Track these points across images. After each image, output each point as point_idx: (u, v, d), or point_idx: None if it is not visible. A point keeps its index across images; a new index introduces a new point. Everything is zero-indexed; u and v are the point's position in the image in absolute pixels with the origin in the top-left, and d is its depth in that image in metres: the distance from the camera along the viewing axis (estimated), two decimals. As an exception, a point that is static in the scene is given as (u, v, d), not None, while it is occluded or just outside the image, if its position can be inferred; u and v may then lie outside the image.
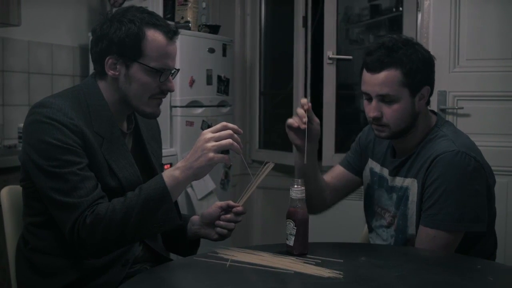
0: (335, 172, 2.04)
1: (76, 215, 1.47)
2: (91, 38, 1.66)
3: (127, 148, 1.67)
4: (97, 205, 1.48)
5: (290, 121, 1.78)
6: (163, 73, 1.60)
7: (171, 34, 1.61)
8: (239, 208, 1.69)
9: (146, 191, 1.49)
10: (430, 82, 1.78)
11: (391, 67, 1.71)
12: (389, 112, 1.73)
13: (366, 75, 1.75)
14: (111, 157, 1.58)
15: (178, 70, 1.68)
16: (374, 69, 1.72)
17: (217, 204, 1.74)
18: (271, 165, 1.65)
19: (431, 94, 1.80)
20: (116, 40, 1.57)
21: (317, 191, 1.93)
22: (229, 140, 1.52)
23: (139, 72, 1.59)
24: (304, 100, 1.75)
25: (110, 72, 1.61)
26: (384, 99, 1.73)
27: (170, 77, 1.64)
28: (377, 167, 1.92)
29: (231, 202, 1.72)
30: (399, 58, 1.71)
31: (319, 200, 1.96)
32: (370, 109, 1.76)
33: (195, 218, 1.80)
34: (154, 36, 1.58)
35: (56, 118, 1.51)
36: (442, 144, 1.73)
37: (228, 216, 1.69)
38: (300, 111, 1.75)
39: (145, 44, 1.57)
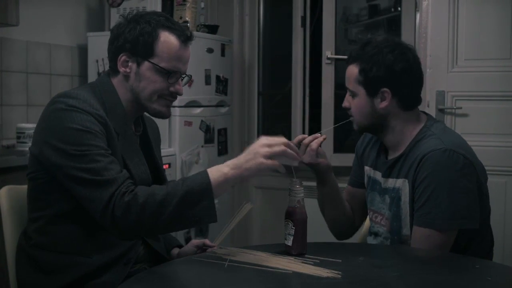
0: (347, 193, 2.08)
1: (112, 191, 1.45)
2: (109, 37, 1.69)
3: (139, 147, 1.70)
4: (136, 186, 1.48)
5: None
6: (171, 75, 1.63)
7: (184, 38, 1.65)
8: (214, 249, 1.70)
9: (189, 183, 1.47)
10: (392, 86, 1.77)
11: (352, 63, 1.82)
12: (353, 106, 1.84)
13: None
14: (125, 153, 1.61)
15: (190, 76, 1.72)
16: (346, 62, 1.85)
17: (193, 242, 1.80)
18: (248, 206, 1.67)
19: (404, 99, 1.79)
20: (130, 38, 1.62)
21: (345, 216, 1.99)
22: (282, 147, 1.49)
23: (149, 71, 1.62)
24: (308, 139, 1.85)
25: (122, 69, 1.64)
26: (349, 92, 1.85)
27: (180, 81, 1.67)
28: (370, 172, 1.94)
29: (207, 241, 1.77)
30: (360, 56, 1.79)
31: (348, 225, 2.02)
32: (344, 100, 1.88)
33: (174, 251, 1.84)
34: (167, 37, 1.63)
35: (81, 108, 1.52)
36: (430, 142, 1.74)
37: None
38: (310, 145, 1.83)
39: (157, 45, 1.62)
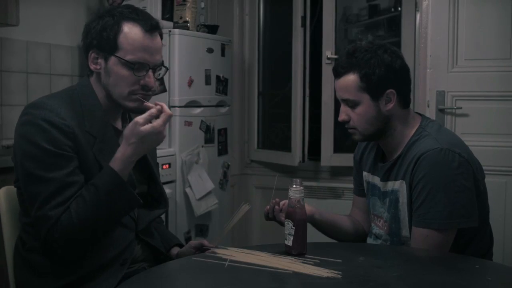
0: (355, 203, 2.08)
1: (44, 231, 1.50)
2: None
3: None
4: (58, 219, 1.49)
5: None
6: (138, 67, 1.59)
7: (148, 28, 1.60)
8: (213, 249, 1.68)
9: (104, 187, 1.50)
10: (396, 86, 1.78)
11: (349, 72, 1.77)
12: (354, 116, 1.79)
13: (334, 81, 1.83)
14: (103, 157, 1.57)
15: (166, 68, 1.69)
16: (337, 74, 1.81)
17: (191, 244, 1.78)
18: (246, 207, 1.69)
19: (405, 97, 1.81)
20: (95, 34, 1.60)
21: (349, 235, 1.99)
22: (170, 114, 1.56)
23: (116, 66, 1.59)
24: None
25: (92, 67, 1.62)
26: (347, 103, 1.79)
27: (151, 73, 1.62)
28: (369, 177, 1.95)
29: (205, 242, 1.75)
30: (356, 63, 1.75)
31: (356, 236, 2.01)
32: (340, 113, 1.83)
33: (173, 251, 1.84)
34: (130, 29, 1.59)
35: (48, 119, 1.51)
36: (425, 143, 1.74)
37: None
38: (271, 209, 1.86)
39: (120, 37, 1.58)
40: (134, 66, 1.58)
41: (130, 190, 1.53)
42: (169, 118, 1.56)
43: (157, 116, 1.54)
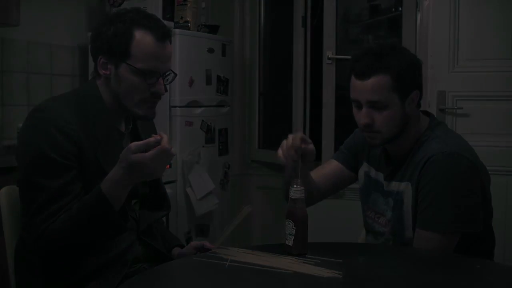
0: (331, 167, 2.01)
1: (32, 239, 1.51)
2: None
3: None
4: (46, 229, 1.49)
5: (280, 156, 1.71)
6: (150, 75, 1.58)
7: (159, 36, 1.59)
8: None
9: (88, 205, 1.48)
10: (419, 86, 1.77)
11: (380, 72, 1.67)
12: (380, 119, 1.71)
13: (355, 82, 1.72)
14: (106, 161, 1.56)
15: (175, 74, 1.67)
16: (363, 76, 1.69)
17: (192, 245, 1.77)
18: (248, 209, 1.67)
19: (420, 97, 1.79)
20: (106, 39, 1.58)
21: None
22: (165, 149, 1.45)
23: (127, 73, 1.58)
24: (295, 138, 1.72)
25: (102, 72, 1.61)
26: (375, 105, 1.70)
27: (161, 80, 1.61)
28: (372, 172, 1.92)
29: (206, 244, 1.73)
30: (388, 63, 1.68)
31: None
32: (361, 116, 1.73)
33: (174, 251, 1.83)
34: (142, 37, 1.57)
35: (53, 123, 1.51)
36: (433, 145, 1.72)
37: None
38: (290, 150, 1.69)
39: (132, 45, 1.57)
40: (146, 74, 1.58)
41: (114, 213, 1.48)
42: (162, 153, 1.43)
43: (154, 147, 1.44)
